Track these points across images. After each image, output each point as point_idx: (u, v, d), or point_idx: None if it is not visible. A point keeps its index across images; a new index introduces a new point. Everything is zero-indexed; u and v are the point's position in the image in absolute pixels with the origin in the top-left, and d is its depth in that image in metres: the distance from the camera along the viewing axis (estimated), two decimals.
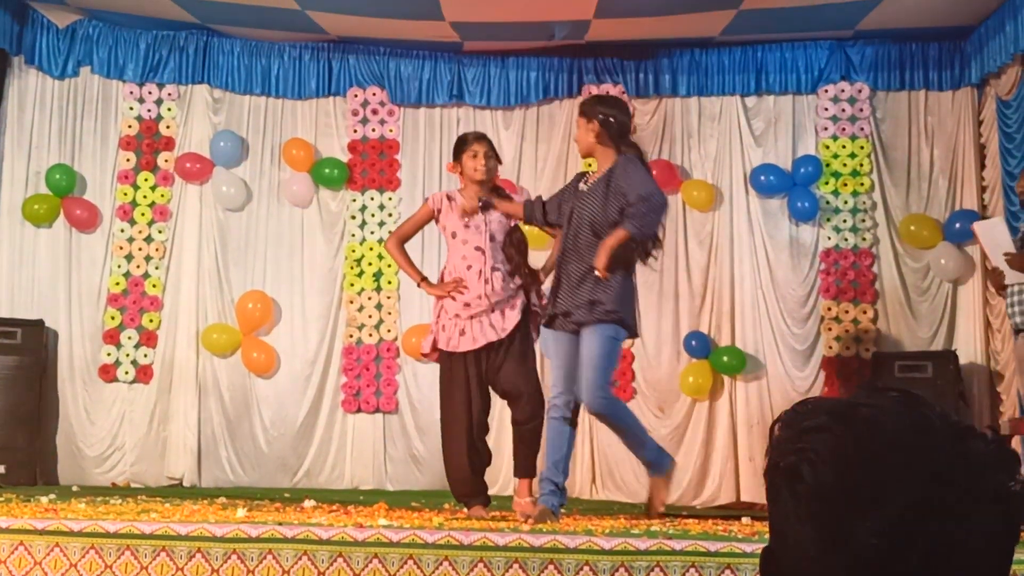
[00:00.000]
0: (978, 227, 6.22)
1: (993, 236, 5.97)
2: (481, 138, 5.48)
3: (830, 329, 7.45)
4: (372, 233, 7.77)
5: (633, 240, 4.83)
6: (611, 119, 4.98)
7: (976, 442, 1.02)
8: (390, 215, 7.79)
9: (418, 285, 5.53)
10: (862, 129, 7.59)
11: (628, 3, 6.86)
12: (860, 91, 7.61)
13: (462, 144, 5.48)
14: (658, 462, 5.28)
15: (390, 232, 7.49)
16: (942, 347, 7.29)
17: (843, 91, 7.62)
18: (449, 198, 5.46)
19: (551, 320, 5.04)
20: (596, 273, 4.78)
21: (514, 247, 5.42)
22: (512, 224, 5.45)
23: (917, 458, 0.99)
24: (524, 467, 5.33)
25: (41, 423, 7.29)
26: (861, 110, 7.60)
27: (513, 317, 5.29)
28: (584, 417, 7.46)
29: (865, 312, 7.45)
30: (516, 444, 5.40)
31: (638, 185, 4.83)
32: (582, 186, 5.08)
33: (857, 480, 0.99)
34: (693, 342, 7.47)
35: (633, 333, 5.15)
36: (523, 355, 5.32)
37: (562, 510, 5.05)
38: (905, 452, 1.00)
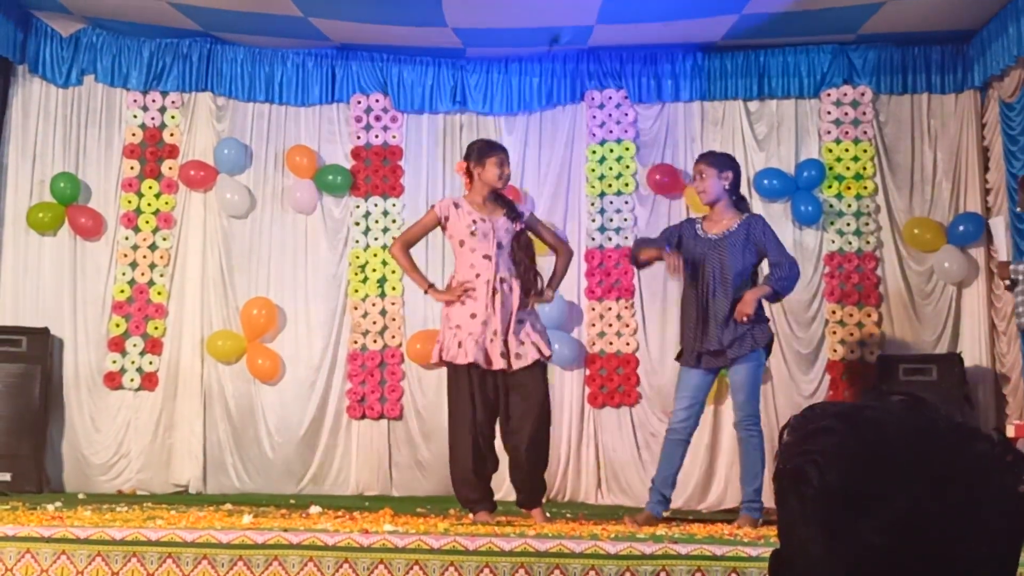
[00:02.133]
0: (993, 223, 6.71)
1: (1001, 233, 6.15)
2: (505, 149, 5.61)
3: (835, 333, 7.44)
4: (376, 239, 7.78)
5: (773, 295, 5.53)
6: (739, 176, 5.67)
7: (982, 443, 1.03)
8: (394, 221, 7.80)
9: (425, 292, 5.54)
10: (865, 133, 7.59)
11: (630, 8, 6.87)
12: (863, 95, 7.61)
13: (488, 150, 5.49)
14: (755, 501, 5.48)
15: (394, 238, 7.54)
16: (947, 350, 7.28)
17: (846, 95, 7.62)
18: (456, 205, 5.47)
19: (697, 358, 5.51)
20: (740, 318, 5.37)
21: (522, 251, 5.45)
22: (518, 229, 5.47)
23: (923, 459, 1.00)
24: (531, 497, 5.37)
25: (46, 431, 7.30)
26: (864, 114, 7.60)
27: (529, 350, 5.29)
28: (589, 422, 7.51)
29: (869, 315, 7.45)
30: (516, 471, 5.42)
31: (781, 248, 5.56)
32: (706, 234, 5.58)
33: (863, 481, 1.00)
34: None
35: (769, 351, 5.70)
36: (540, 399, 5.35)
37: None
38: (911, 453, 1.00)
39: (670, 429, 5.61)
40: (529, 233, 5.56)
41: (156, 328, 7.63)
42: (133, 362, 7.57)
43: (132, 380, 7.56)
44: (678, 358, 5.75)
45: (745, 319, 5.35)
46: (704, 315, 5.48)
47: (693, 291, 5.56)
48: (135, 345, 7.58)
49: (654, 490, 5.58)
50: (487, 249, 5.34)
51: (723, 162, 5.68)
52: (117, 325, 7.59)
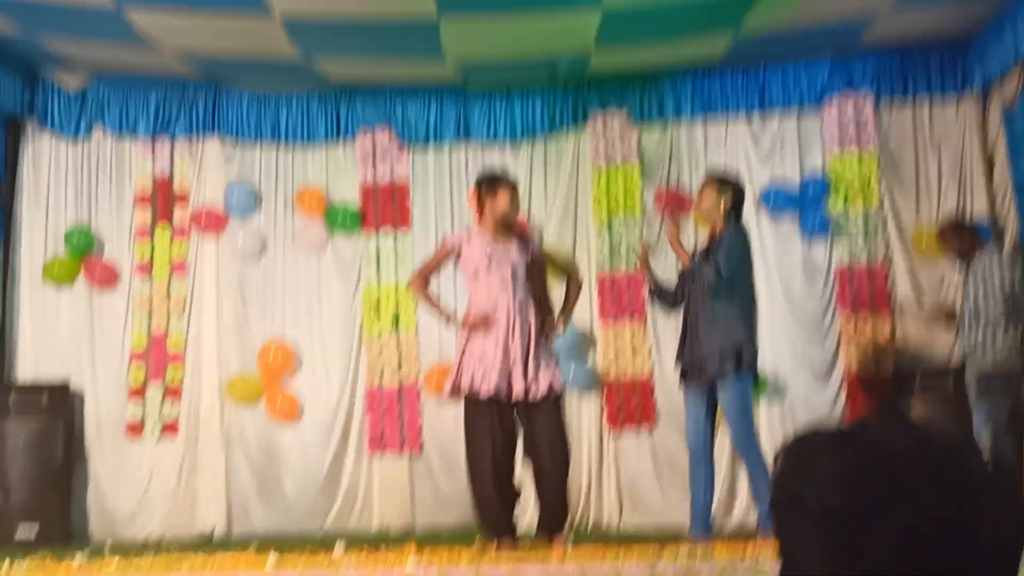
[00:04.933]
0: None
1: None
2: (514, 180, 5.69)
3: (849, 347, 7.43)
4: (388, 274, 7.81)
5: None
6: (740, 197, 5.80)
7: (978, 460, 1.05)
8: (405, 256, 7.83)
9: (446, 323, 5.56)
10: (868, 142, 7.60)
11: (628, 31, 6.91)
12: (864, 105, 7.61)
13: (499, 181, 5.54)
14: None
15: (411, 271, 7.57)
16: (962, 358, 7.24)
17: (847, 106, 7.63)
18: (468, 237, 5.50)
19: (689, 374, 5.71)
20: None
21: (536, 279, 5.48)
22: (531, 257, 5.50)
23: (920, 478, 1.02)
24: (553, 525, 5.38)
25: (71, 483, 7.34)
26: (866, 124, 7.60)
27: (545, 381, 5.32)
28: (609, 446, 7.50)
29: (883, 328, 7.43)
30: (538, 499, 5.43)
31: (723, 265, 5.56)
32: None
33: (862, 503, 1.02)
34: None
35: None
36: (558, 431, 5.37)
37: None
38: (908, 472, 1.02)
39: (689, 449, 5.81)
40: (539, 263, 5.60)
41: (175, 375, 7.67)
42: (154, 411, 7.61)
43: (153, 428, 7.60)
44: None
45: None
46: (686, 331, 5.77)
47: (687, 309, 5.83)
48: (155, 394, 7.62)
49: (692, 513, 5.73)
50: (503, 277, 5.36)
51: (723, 184, 5.84)
52: (136, 375, 7.63)
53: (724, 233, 5.68)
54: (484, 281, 5.39)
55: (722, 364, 5.50)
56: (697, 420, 5.68)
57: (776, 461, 1.11)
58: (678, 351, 5.83)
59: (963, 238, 6.61)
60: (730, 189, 5.76)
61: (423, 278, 5.61)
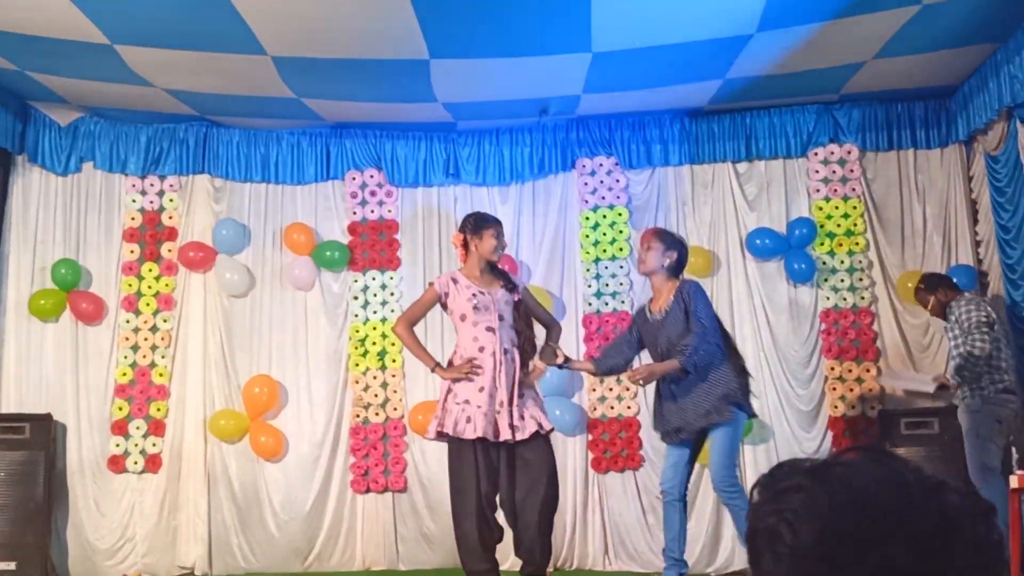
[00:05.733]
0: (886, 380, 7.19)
1: (900, 380, 6.59)
2: (500, 221, 5.66)
3: (835, 389, 7.46)
4: (375, 313, 7.82)
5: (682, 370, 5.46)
6: (683, 259, 5.74)
7: (951, 495, 1.06)
8: (392, 294, 7.85)
9: (432, 371, 5.53)
10: (853, 189, 7.67)
11: (616, 77, 6.98)
12: (849, 152, 7.70)
13: (484, 223, 5.55)
14: None
15: (394, 312, 7.58)
16: (946, 403, 7.27)
17: (832, 153, 7.71)
18: (454, 280, 5.51)
19: (665, 434, 5.67)
20: (632, 378, 5.53)
21: (522, 321, 5.50)
22: (516, 299, 5.52)
23: (894, 513, 1.02)
24: (537, 565, 5.36)
25: (51, 517, 7.28)
26: (852, 171, 7.69)
27: (532, 422, 5.32)
28: (594, 487, 7.48)
29: (868, 370, 7.47)
30: (522, 540, 5.39)
31: (699, 319, 5.46)
32: (652, 315, 5.68)
33: (836, 537, 1.02)
34: None
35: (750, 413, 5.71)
36: (547, 471, 5.36)
37: None
38: (882, 507, 1.02)
39: (661, 492, 5.74)
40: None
41: (159, 410, 7.64)
42: (136, 445, 7.57)
43: (136, 463, 7.56)
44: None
45: (637, 382, 5.55)
46: (661, 393, 5.66)
47: None
48: (138, 428, 7.59)
49: (665, 556, 5.66)
50: (490, 322, 5.37)
51: (671, 242, 5.77)
52: (120, 408, 7.60)
53: (685, 287, 5.63)
54: (471, 324, 5.40)
55: (716, 414, 5.44)
56: (677, 465, 5.63)
57: (753, 493, 1.12)
58: (655, 419, 5.74)
59: (935, 292, 6.61)
60: (676, 249, 5.73)
61: (408, 322, 5.60)
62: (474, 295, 5.41)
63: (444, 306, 5.56)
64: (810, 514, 1.03)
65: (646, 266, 5.71)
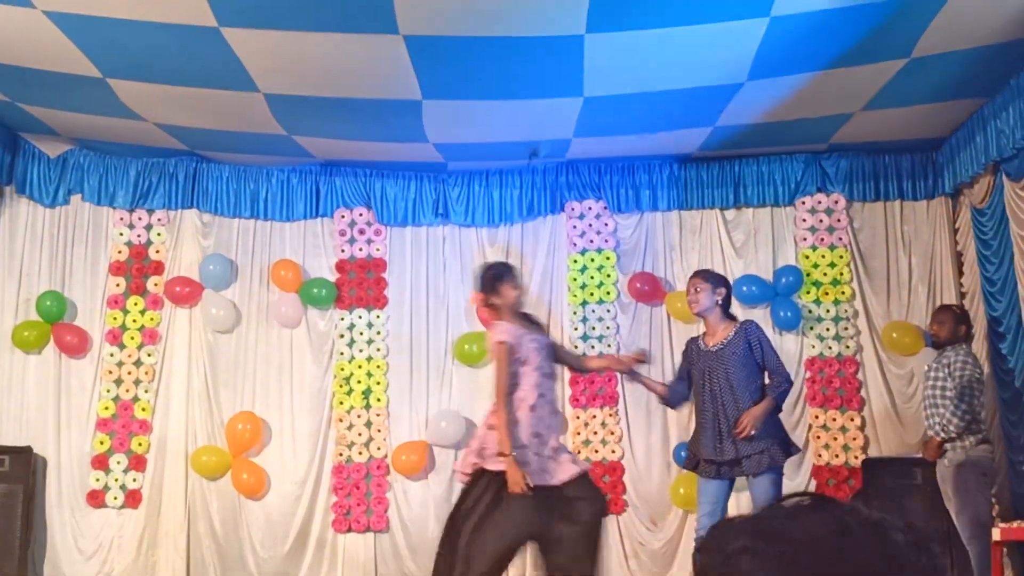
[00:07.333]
0: None
1: None
2: (510, 267, 5.52)
3: (818, 437, 7.47)
4: (361, 351, 7.80)
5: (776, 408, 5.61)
6: (731, 292, 5.88)
7: (895, 533, 1.06)
8: (379, 333, 7.83)
9: (507, 455, 4.92)
10: (840, 239, 7.72)
11: (606, 122, 7.03)
12: (836, 202, 7.76)
13: (499, 279, 5.32)
14: None
15: (380, 352, 7.53)
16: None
17: (820, 202, 7.77)
18: (513, 328, 5.19)
19: (717, 469, 5.59)
20: (742, 431, 5.46)
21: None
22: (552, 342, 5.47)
23: (841, 560, 1.03)
24: None
25: (28, 551, 7.20)
26: (839, 220, 7.74)
27: (568, 470, 5.05)
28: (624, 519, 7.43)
29: (852, 419, 7.48)
30: None
31: (776, 357, 5.67)
32: (707, 346, 5.72)
33: None
34: (683, 453, 7.45)
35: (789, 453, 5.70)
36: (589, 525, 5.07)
37: None
38: (828, 555, 1.03)
39: (696, 538, 5.68)
40: None
41: (140, 445, 7.59)
42: (117, 479, 7.51)
43: (115, 498, 7.49)
44: (692, 468, 5.75)
45: (744, 434, 5.44)
46: (718, 427, 5.57)
47: (705, 403, 5.65)
48: (119, 462, 7.53)
49: None
50: (550, 367, 5.24)
51: (717, 280, 5.83)
52: (101, 442, 7.55)
53: (750, 326, 5.70)
54: (532, 369, 5.13)
55: (768, 458, 5.46)
56: (716, 507, 5.57)
57: (695, 559, 1.11)
58: (712, 446, 5.57)
59: (963, 324, 6.51)
60: (724, 285, 5.82)
61: (507, 395, 5.07)
62: (533, 339, 5.21)
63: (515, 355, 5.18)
64: (759, 574, 1.03)
65: (700, 306, 5.76)
